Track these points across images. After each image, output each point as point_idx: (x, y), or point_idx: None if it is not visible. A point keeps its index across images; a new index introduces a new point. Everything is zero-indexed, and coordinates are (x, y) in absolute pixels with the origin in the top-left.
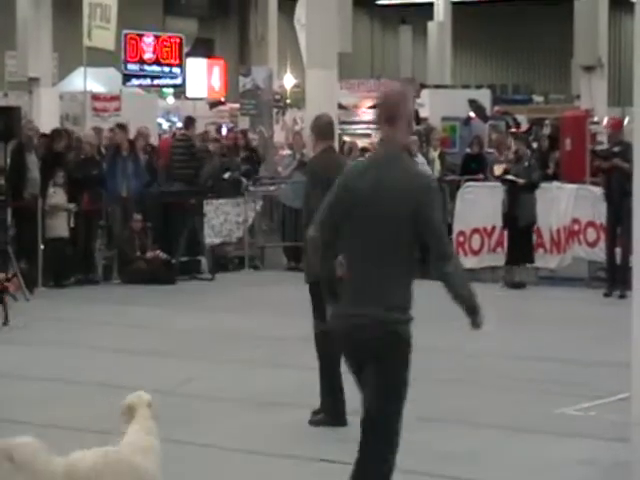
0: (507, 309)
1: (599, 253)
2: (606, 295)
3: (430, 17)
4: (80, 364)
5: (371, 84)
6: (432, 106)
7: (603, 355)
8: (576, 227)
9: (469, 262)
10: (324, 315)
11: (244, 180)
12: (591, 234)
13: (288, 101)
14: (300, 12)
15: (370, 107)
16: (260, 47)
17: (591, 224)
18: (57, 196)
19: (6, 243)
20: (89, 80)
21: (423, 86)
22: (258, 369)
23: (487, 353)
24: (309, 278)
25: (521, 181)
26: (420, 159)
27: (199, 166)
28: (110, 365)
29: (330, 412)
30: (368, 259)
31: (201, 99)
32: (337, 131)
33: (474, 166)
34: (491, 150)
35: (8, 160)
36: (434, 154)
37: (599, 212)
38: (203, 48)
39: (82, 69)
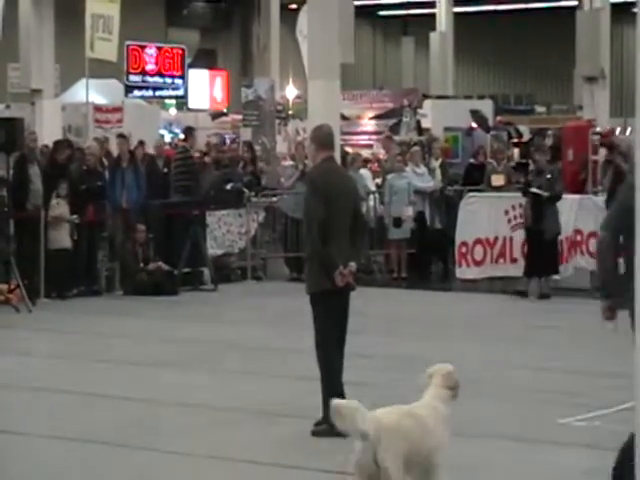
0: (509, 320)
1: None
2: None
3: (432, 28)
4: (81, 375)
5: (373, 95)
6: (434, 116)
7: (607, 365)
8: (578, 237)
9: (471, 273)
10: (325, 325)
11: (246, 191)
12: (594, 244)
13: (290, 112)
14: (302, 23)
15: (372, 118)
16: (262, 58)
17: (593, 234)
18: (60, 207)
19: (9, 254)
20: (91, 92)
21: (425, 97)
22: (260, 380)
23: (489, 363)
24: (310, 289)
25: (546, 194)
26: (422, 169)
27: (197, 178)
28: (111, 376)
29: (332, 423)
30: None
31: (203, 110)
32: (339, 142)
33: (477, 176)
34: (491, 160)
35: (11, 171)
36: (435, 164)
37: None
38: (205, 59)
39: (84, 80)
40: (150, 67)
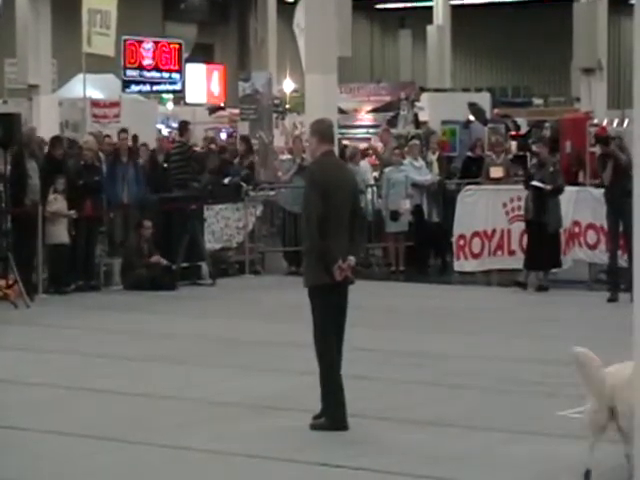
0: (508, 312)
1: (600, 255)
2: (610, 301)
3: (429, 21)
4: (80, 370)
5: (371, 88)
6: (432, 110)
7: (606, 357)
8: (577, 229)
9: (469, 265)
10: (324, 318)
11: (244, 185)
12: (591, 236)
13: (288, 106)
14: (299, 17)
15: (369, 111)
16: (259, 52)
17: (591, 226)
18: (57, 203)
19: (7, 250)
20: (88, 87)
21: (423, 90)
22: (258, 374)
23: (488, 355)
24: (308, 282)
25: (548, 187)
26: (419, 162)
27: (198, 170)
28: (110, 371)
29: (331, 416)
30: None
31: (201, 105)
32: (337, 135)
33: (475, 169)
34: (489, 153)
35: (8, 167)
36: (432, 157)
37: (599, 214)
38: (202, 53)
39: (81, 76)
40: (147, 62)
